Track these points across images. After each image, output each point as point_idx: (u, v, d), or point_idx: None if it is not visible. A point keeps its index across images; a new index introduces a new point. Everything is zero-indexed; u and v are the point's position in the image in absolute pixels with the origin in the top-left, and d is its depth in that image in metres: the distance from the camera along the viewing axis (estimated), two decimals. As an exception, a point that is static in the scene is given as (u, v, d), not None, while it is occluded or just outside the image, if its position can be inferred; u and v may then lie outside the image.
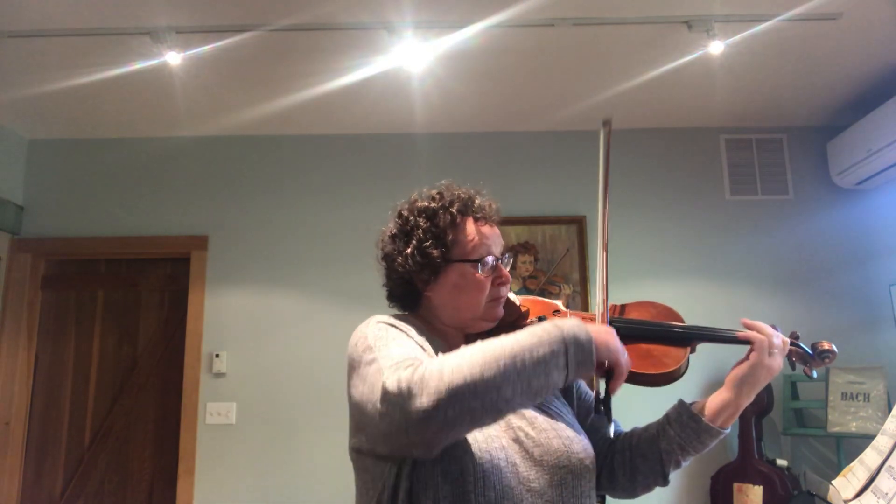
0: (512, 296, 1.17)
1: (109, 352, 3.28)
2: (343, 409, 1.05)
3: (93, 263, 3.37)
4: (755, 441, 2.84)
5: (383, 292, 1.21)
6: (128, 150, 3.39)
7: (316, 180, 3.36)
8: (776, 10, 2.37)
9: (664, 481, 1.15)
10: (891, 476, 1.43)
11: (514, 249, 3.27)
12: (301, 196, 3.33)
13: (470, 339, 1.16)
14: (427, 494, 0.93)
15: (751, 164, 3.38)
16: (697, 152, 3.41)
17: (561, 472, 1.00)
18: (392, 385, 0.86)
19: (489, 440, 0.97)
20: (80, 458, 3.16)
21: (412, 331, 1.06)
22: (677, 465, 1.14)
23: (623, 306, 1.24)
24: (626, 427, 1.23)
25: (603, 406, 1.03)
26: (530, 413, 1.06)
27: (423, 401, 0.84)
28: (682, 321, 1.19)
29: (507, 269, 1.17)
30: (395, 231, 1.17)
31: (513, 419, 1.04)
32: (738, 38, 2.51)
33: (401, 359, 0.92)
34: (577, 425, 1.12)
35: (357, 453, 1.03)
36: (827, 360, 1.18)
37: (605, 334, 0.98)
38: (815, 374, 1.19)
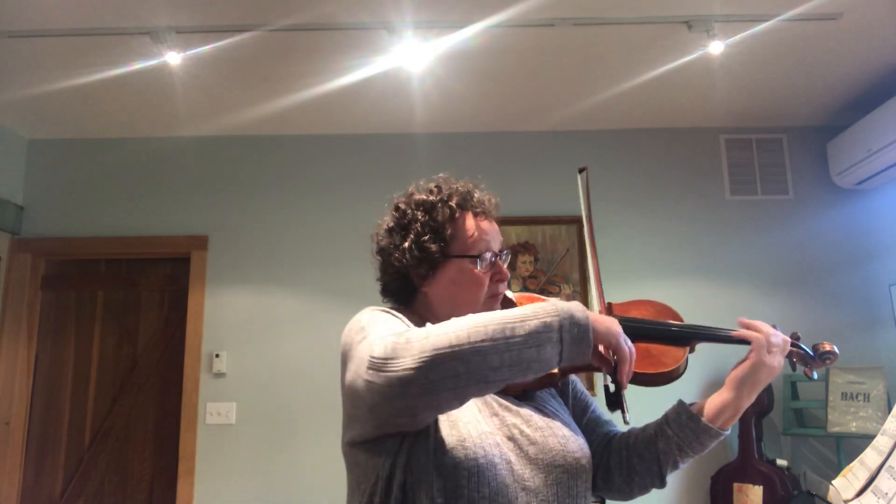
0: (509, 293, 1.16)
1: (109, 352, 3.28)
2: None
3: (93, 263, 3.37)
4: (755, 441, 2.84)
5: (378, 288, 1.19)
6: (128, 150, 3.39)
7: (316, 180, 3.36)
8: (776, 10, 2.37)
9: (661, 483, 1.13)
10: (891, 476, 1.43)
11: (514, 249, 3.27)
12: (301, 196, 3.33)
13: None
14: (421, 488, 0.91)
15: (751, 164, 3.38)
16: (697, 152, 3.41)
17: (556, 471, 0.99)
18: (378, 351, 0.86)
19: (483, 436, 0.95)
20: (80, 458, 3.16)
21: (406, 320, 1.05)
22: (675, 466, 1.12)
23: (621, 305, 1.23)
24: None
25: (614, 399, 0.98)
26: (525, 411, 1.04)
27: (406, 362, 0.83)
28: (681, 320, 1.18)
29: (506, 265, 1.15)
30: (391, 224, 1.15)
31: (507, 417, 1.02)
32: (738, 38, 2.51)
33: (393, 330, 0.91)
34: (573, 424, 1.11)
35: (350, 447, 1.01)
36: (828, 362, 1.16)
37: (605, 319, 0.95)
38: (815, 376, 1.18)
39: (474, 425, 0.96)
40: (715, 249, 3.28)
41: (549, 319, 0.88)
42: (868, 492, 1.48)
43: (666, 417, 1.14)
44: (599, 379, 2.80)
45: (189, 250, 3.27)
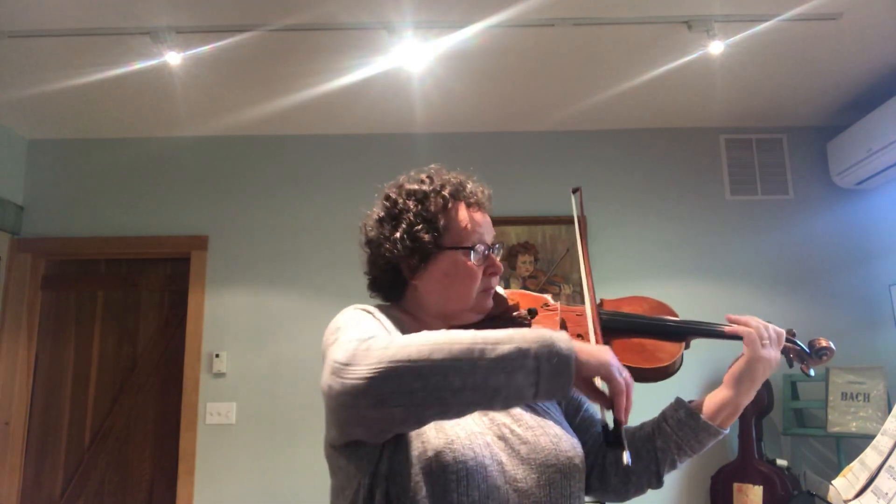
0: (499, 289, 1.13)
1: (109, 352, 3.28)
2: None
3: (93, 263, 3.37)
4: (755, 441, 2.84)
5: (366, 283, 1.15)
6: (128, 150, 3.39)
7: (316, 180, 3.36)
8: (776, 10, 2.37)
9: (658, 483, 1.11)
10: (891, 476, 1.43)
11: (514, 249, 3.27)
12: (301, 196, 3.33)
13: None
14: (406, 495, 0.87)
15: (751, 164, 3.38)
16: (697, 152, 3.41)
17: (549, 471, 0.95)
18: (340, 355, 0.82)
19: (472, 437, 0.92)
20: (80, 458, 3.16)
21: (387, 322, 1.01)
22: (673, 465, 1.10)
23: (613, 301, 1.21)
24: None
25: (613, 437, 0.88)
26: (516, 410, 1.00)
27: (360, 370, 0.79)
28: (676, 316, 1.16)
29: (498, 259, 1.11)
30: (382, 214, 1.10)
31: (497, 416, 0.98)
32: (738, 38, 2.51)
33: (362, 333, 0.88)
34: (564, 423, 1.08)
35: (332, 450, 0.98)
36: (825, 358, 1.15)
37: (595, 349, 0.87)
38: (812, 373, 1.17)
39: (463, 426, 0.93)
40: (715, 249, 3.28)
41: (525, 346, 0.81)
42: (868, 492, 1.48)
43: (664, 415, 1.12)
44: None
45: (189, 250, 3.27)
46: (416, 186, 1.11)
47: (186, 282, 3.24)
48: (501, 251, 1.14)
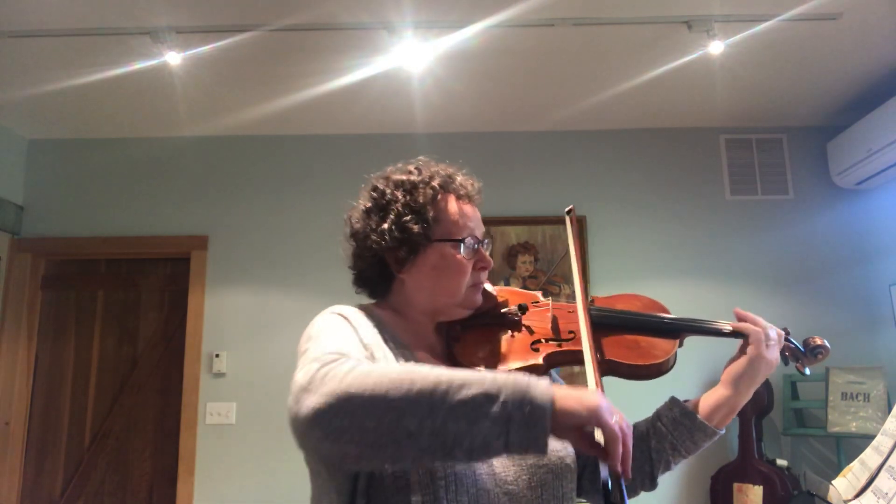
0: (488, 286, 1.11)
1: (109, 352, 3.28)
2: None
3: (93, 263, 3.37)
4: (755, 441, 2.84)
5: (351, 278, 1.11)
6: (128, 150, 3.39)
7: (316, 180, 3.36)
8: (776, 10, 2.37)
9: (651, 485, 1.08)
10: (891, 476, 1.43)
11: (514, 249, 3.27)
12: (301, 196, 3.33)
13: (441, 328, 1.09)
14: (391, 503, 0.84)
15: (751, 164, 3.38)
16: (697, 152, 3.41)
17: (540, 471, 0.92)
18: (299, 377, 0.79)
19: None
20: (80, 458, 3.16)
21: (366, 327, 0.97)
22: (667, 467, 1.07)
23: (605, 298, 1.19)
24: None
25: (613, 496, 0.76)
26: None
27: (314, 400, 0.74)
28: (669, 313, 1.14)
29: (488, 253, 1.08)
30: (369, 205, 1.07)
31: None
32: (738, 38, 2.51)
33: (328, 350, 0.84)
34: None
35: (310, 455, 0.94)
36: (820, 357, 1.13)
37: (581, 395, 0.77)
38: (807, 371, 1.15)
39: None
40: (715, 249, 3.28)
41: (494, 390, 0.73)
42: (868, 492, 1.48)
43: (658, 414, 1.09)
44: (605, 379, 2.79)
45: (189, 250, 3.27)
46: (404, 177, 1.07)
47: (186, 282, 3.24)
48: (491, 246, 1.11)
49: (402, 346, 1.00)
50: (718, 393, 1.05)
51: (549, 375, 1.14)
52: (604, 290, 1.27)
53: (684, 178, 3.37)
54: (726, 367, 1.07)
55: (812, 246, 3.27)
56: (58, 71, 2.70)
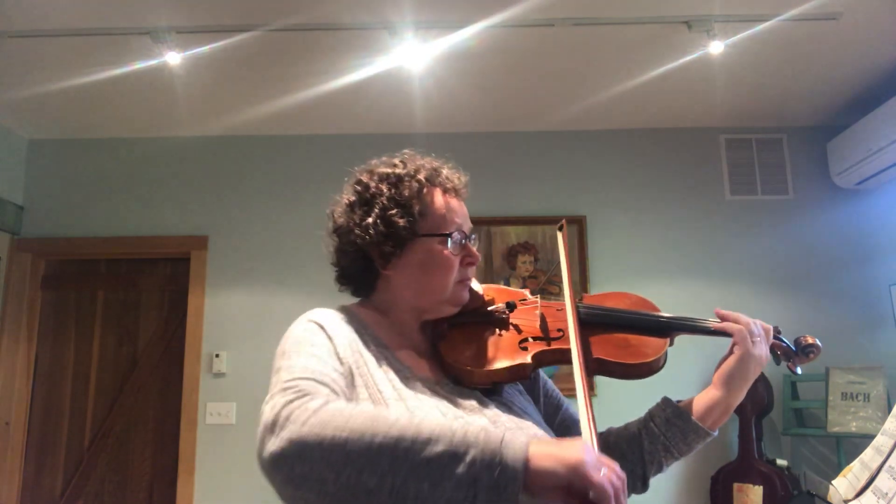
0: (475, 284, 1.08)
1: (109, 352, 3.28)
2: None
3: (93, 263, 3.37)
4: (755, 441, 2.84)
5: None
6: (128, 150, 3.39)
7: (316, 180, 3.35)
8: (776, 10, 2.37)
9: (643, 486, 1.05)
10: (891, 476, 1.43)
11: (514, 249, 3.27)
12: (301, 196, 3.33)
13: (426, 327, 1.06)
14: None
15: (751, 164, 3.38)
16: (697, 152, 3.41)
17: None
18: (266, 412, 0.76)
19: None
20: (80, 458, 3.16)
21: (343, 335, 0.93)
22: (659, 468, 1.04)
23: (595, 297, 1.18)
24: (603, 426, 1.10)
25: None
26: (493, 411, 0.93)
27: (275, 444, 0.72)
28: (659, 311, 1.12)
29: (475, 248, 1.05)
30: (353, 199, 1.04)
31: (472, 416, 0.91)
32: (738, 38, 2.51)
33: (298, 376, 0.81)
34: (544, 424, 1.01)
35: None
36: (811, 356, 1.11)
37: (565, 449, 0.71)
38: (799, 371, 1.13)
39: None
40: (715, 249, 3.28)
41: (462, 449, 0.68)
42: (868, 492, 1.48)
43: (650, 414, 1.07)
44: (600, 379, 2.80)
45: (189, 250, 3.26)
46: (389, 170, 1.04)
47: (186, 282, 3.24)
48: (478, 242, 1.08)
49: (383, 347, 0.97)
50: (711, 394, 1.03)
51: (538, 374, 1.14)
52: (603, 290, 1.27)
53: (684, 177, 3.37)
54: (717, 367, 1.05)
55: (812, 246, 3.27)
56: (58, 71, 2.70)
